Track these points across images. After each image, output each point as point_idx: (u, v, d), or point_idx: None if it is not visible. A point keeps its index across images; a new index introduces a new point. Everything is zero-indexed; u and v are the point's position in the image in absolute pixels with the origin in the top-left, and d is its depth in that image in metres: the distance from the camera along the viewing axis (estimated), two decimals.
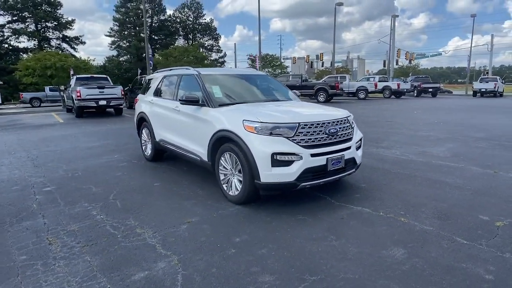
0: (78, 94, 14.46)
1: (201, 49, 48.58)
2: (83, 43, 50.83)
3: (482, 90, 31.24)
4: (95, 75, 18.52)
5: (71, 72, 20.05)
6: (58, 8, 47.32)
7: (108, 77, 18.02)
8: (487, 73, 43.88)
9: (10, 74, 33.64)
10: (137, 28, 53.58)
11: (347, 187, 4.67)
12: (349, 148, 4.12)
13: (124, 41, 54.21)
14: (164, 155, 6.37)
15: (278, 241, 3.15)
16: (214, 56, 58.85)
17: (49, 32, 48.02)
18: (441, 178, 5.09)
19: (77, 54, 45.66)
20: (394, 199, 4.21)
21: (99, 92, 14.96)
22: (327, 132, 3.91)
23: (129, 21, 53.67)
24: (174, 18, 59.30)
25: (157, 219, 3.69)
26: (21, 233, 3.45)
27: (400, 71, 45.82)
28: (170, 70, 6.11)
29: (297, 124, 3.75)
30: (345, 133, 4.14)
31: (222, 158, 4.17)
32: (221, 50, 62.72)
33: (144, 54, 50.38)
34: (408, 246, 3.03)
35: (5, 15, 43.78)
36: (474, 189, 4.56)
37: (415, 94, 32.17)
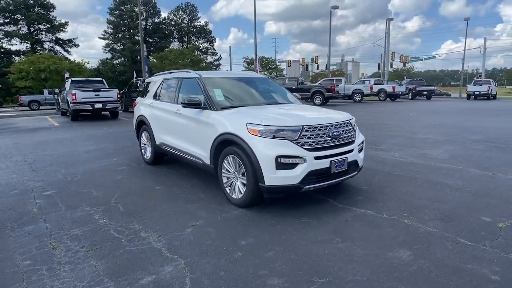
0: (74, 97, 14.36)
1: (196, 52, 48.53)
2: (77, 45, 50.71)
3: (476, 92, 31.60)
4: (90, 78, 18.43)
5: (66, 75, 19.92)
6: (51, 10, 47.13)
7: (103, 80, 17.93)
8: (480, 76, 44.37)
9: (3, 77, 33.38)
10: (132, 31, 53.48)
11: (349, 190, 4.69)
12: (351, 150, 4.14)
13: (118, 44, 54.08)
14: (164, 158, 6.35)
15: (284, 244, 3.15)
16: (209, 59, 58.85)
17: (42, 34, 47.80)
18: (441, 180, 5.13)
19: (70, 57, 45.43)
20: (397, 201, 4.23)
21: (95, 95, 14.86)
22: (330, 135, 3.93)
23: (123, 23, 53.57)
24: (168, 21, 59.33)
25: (161, 223, 3.67)
26: (23, 237, 3.41)
27: (395, 74, 46.16)
28: (170, 73, 6.10)
29: (301, 127, 3.76)
30: (348, 136, 4.16)
31: (225, 161, 4.17)
32: (216, 53, 62.90)
33: (138, 57, 50.28)
34: (413, 247, 3.04)
35: None
36: (474, 191, 4.61)
37: (410, 97, 32.44)
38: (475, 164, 6.10)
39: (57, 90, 19.33)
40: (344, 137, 4.10)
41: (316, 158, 3.75)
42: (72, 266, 2.83)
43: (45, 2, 45.86)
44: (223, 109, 4.45)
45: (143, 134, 6.46)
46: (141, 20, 27.79)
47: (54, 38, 48.39)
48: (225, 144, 4.14)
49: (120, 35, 54.12)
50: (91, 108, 14.84)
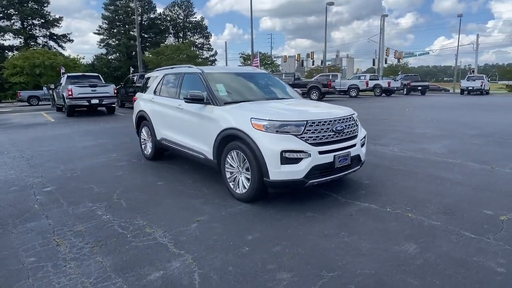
0: (70, 93, 14.21)
1: (192, 48, 48.22)
2: (71, 41, 50.06)
3: (469, 88, 31.83)
4: (86, 74, 18.23)
5: (62, 70, 19.70)
6: (45, 5, 46.45)
7: (100, 76, 17.76)
8: (473, 71, 44.65)
9: None
10: (127, 26, 52.95)
11: (351, 184, 4.70)
12: (354, 145, 4.15)
13: (113, 39, 53.53)
14: (164, 154, 6.32)
15: (290, 238, 3.15)
16: (205, 54, 58.54)
17: (36, 29, 47.13)
18: (441, 174, 5.17)
19: (64, 52, 44.82)
20: (399, 195, 4.25)
21: (91, 90, 14.72)
22: (334, 129, 3.93)
23: (118, 19, 53.01)
24: (164, 16, 58.82)
25: (165, 218, 3.66)
26: (26, 234, 3.38)
27: (390, 69, 46.29)
28: (171, 68, 6.06)
29: (305, 122, 3.76)
30: (351, 131, 4.17)
31: (229, 156, 4.15)
32: (212, 49, 62.54)
33: (134, 52, 49.89)
34: (419, 241, 3.06)
35: None
36: (474, 185, 4.64)
37: (405, 92, 32.55)
38: (474, 158, 6.15)
39: (52, 86, 19.09)
40: (347, 131, 4.10)
41: (320, 152, 3.75)
42: (78, 263, 2.81)
43: None
44: (226, 104, 4.43)
45: (143, 130, 6.42)
46: (137, 15, 27.49)
47: (48, 33, 47.73)
48: (229, 139, 4.12)
49: (115, 30, 53.55)
50: (87, 103, 14.70)
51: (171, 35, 59.89)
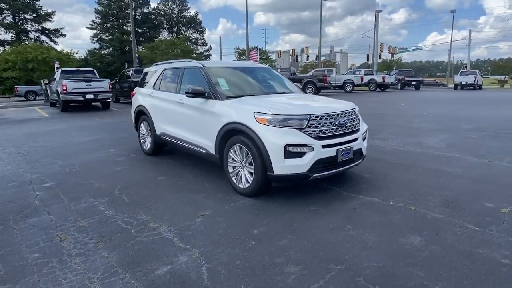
0: (64, 88, 14.04)
1: (187, 42, 47.82)
2: (63, 35, 49.38)
3: (462, 83, 32.09)
4: (81, 68, 18.04)
5: (56, 65, 19.44)
6: None
7: (94, 70, 17.56)
8: (466, 67, 45.01)
9: None
10: (120, 21, 52.32)
11: (352, 178, 4.72)
12: (356, 139, 4.16)
13: (107, 34, 52.88)
14: (163, 149, 6.28)
15: (296, 232, 3.16)
16: (199, 49, 58.13)
17: (28, 24, 46.35)
18: (440, 167, 5.21)
19: (56, 47, 44.25)
20: (401, 188, 4.28)
21: (86, 85, 14.56)
22: (337, 123, 3.93)
23: (111, 13, 52.32)
24: (158, 11, 58.24)
25: (169, 213, 3.64)
26: (28, 230, 3.34)
27: (384, 64, 46.48)
28: (171, 62, 6.00)
29: (309, 116, 3.75)
30: (353, 125, 4.17)
31: (231, 150, 4.14)
32: (206, 43, 62.10)
33: (127, 47, 49.42)
34: (423, 233, 3.08)
35: None
36: (473, 178, 4.69)
37: (399, 87, 32.72)
38: (471, 152, 6.20)
39: (46, 81, 18.83)
40: (350, 126, 4.11)
41: (324, 146, 3.76)
42: (83, 258, 2.79)
43: None
44: (228, 99, 4.40)
45: (142, 125, 6.36)
46: (132, 9, 27.18)
47: (40, 28, 46.98)
48: (232, 134, 4.10)
49: (108, 25, 52.86)
50: (82, 98, 14.54)
51: (165, 30, 59.37)
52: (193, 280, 2.46)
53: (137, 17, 52.94)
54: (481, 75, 35.15)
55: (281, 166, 3.64)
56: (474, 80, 31.28)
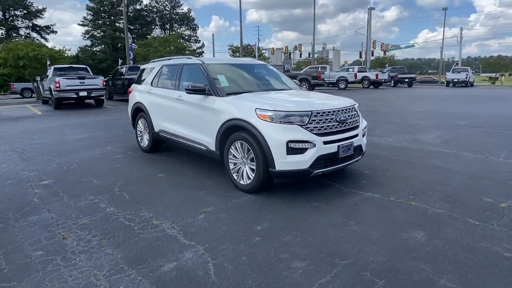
0: (57, 85, 13.86)
1: (180, 40, 47.46)
2: (54, 32, 48.74)
3: (454, 80, 32.40)
4: (74, 65, 17.79)
5: (48, 62, 19.17)
6: None
7: (87, 68, 17.36)
8: (457, 64, 45.43)
9: None
10: (112, 18, 51.79)
11: (352, 174, 4.75)
12: (357, 135, 4.18)
13: (98, 31, 52.29)
14: (162, 146, 6.25)
15: (299, 228, 3.17)
16: (192, 46, 57.78)
17: (18, 20, 45.64)
18: (438, 163, 5.26)
19: (47, 44, 43.65)
20: (400, 184, 4.32)
21: (80, 82, 14.39)
22: (337, 120, 3.94)
23: (103, 10, 51.73)
24: (150, 8, 57.73)
25: (171, 210, 3.63)
26: (29, 228, 3.30)
27: (377, 62, 46.72)
28: (169, 59, 5.96)
29: (310, 112, 3.76)
30: (353, 121, 4.20)
31: (232, 147, 4.13)
32: (199, 40, 61.81)
33: (120, 44, 48.94)
34: (426, 228, 3.12)
35: None
36: (471, 173, 4.75)
37: (392, 84, 32.94)
38: (467, 148, 6.28)
39: (38, 78, 18.57)
40: (350, 122, 4.13)
41: (325, 142, 3.77)
42: (87, 255, 2.77)
43: None
44: (228, 95, 4.39)
45: (139, 122, 6.32)
46: (125, 5, 26.89)
47: (30, 25, 46.34)
48: (233, 130, 4.10)
49: (100, 21, 52.27)
50: (75, 96, 14.38)
51: (157, 27, 58.90)
52: (200, 276, 2.46)
53: (129, 13, 52.39)
54: (472, 73, 35.54)
55: (283, 162, 3.65)
56: (466, 77, 31.62)
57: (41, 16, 46.48)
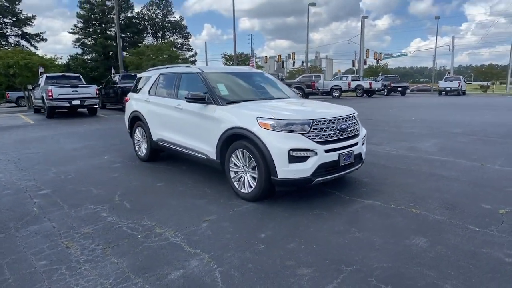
0: (50, 94, 13.76)
1: (172, 48, 47.59)
2: (44, 40, 48.33)
3: (447, 88, 32.93)
4: (66, 74, 17.69)
5: (40, 71, 19.04)
6: (17, 3, 44.59)
7: (80, 76, 17.29)
8: (449, 73, 46.26)
9: None
10: (103, 25, 51.63)
11: (352, 182, 4.80)
12: (357, 143, 4.24)
13: (89, 39, 52.06)
14: (160, 154, 6.24)
15: (303, 235, 3.19)
16: (185, 54, 57.89)
17: (7, 28, 45.22)
18: (436, 171, 5.34)
19: (37, 52, 43.31)
20: (400, 192, 4.37)
21: (72, 91, 14.30)
22: (338, 128, 4.00)
23: (94, 17, 51.58)
24: (142, 16, 57.80)
25: (173, 219, 3.62)
26: (31, 237, 3.27)
27: (370, 70, 47.31)
28: (167, 68, 5.99)
29: (312, 121, 3.81)
30: (353, 129, 4.26)
31: (233, 155, 4.15)
32: (192, 49, 61.93)
33: (111, 52, 48.75)
34: (427, 235, 3.17)
35: None
36: (469, 181, 4.83)
37: (385, 93, 33.33)
38: (463, 155, 6.38)
39: (30, 87, 18.42)
40: (350, 130, 4.19)
41: (326, 151, 3.82)
42: (92, 264, 2.76)
43: None
44: (228, 104, 4.43)
45: (137, 131, 6.31)
46: (117, 12, 26.94)
47: (20, 33, 45.95)
48: (234, 139, 4.13)
49: (91, 29, 52.04)
50: (68, 104, 14.27)
51: (149, 35, 58.94)
52: (207, 283, 2.46)
53: (120, 21, 52.39)
54: (464, 81, 36.18)
55: (285, 170, 3.68)
56: (458, 86, 32.14)
57: (30, 24, 46.10)
